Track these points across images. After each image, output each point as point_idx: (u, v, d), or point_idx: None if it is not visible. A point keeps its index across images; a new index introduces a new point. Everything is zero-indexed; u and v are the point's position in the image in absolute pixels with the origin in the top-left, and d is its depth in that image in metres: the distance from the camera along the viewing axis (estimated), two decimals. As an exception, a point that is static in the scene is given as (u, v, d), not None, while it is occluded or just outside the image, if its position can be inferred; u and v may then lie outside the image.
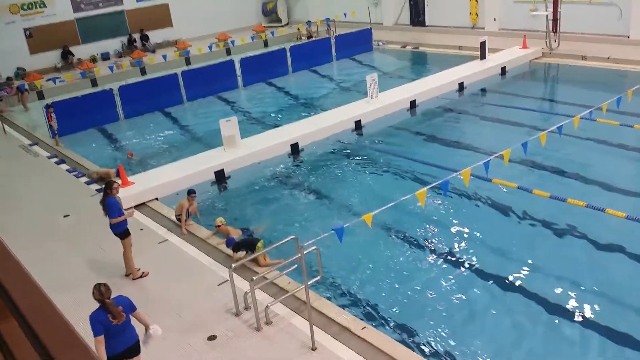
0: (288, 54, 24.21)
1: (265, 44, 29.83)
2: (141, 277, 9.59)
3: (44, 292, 1.69)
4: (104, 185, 9.48)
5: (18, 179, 14.92)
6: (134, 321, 6.69)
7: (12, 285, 1.72)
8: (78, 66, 27.18)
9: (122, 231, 9.33)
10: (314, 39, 28.31)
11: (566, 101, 17.72)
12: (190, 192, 11.29)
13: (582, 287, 8.74)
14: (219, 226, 10.59)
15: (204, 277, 9.50)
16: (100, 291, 6.26)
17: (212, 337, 7.90)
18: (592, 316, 8.11)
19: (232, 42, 28.60)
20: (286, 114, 19.22)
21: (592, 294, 8.58)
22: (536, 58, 21.73)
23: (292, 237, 8.90)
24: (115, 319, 6.22)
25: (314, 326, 7.51)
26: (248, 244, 9.62)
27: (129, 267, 9.59)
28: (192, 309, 8.61)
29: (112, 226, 9.30)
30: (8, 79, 25.70)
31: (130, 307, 6.57)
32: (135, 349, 6.56)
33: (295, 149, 15.31)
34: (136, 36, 30.67)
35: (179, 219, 11.22)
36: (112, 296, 6.38)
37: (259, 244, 9.44)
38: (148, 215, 11.96)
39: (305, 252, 7.34)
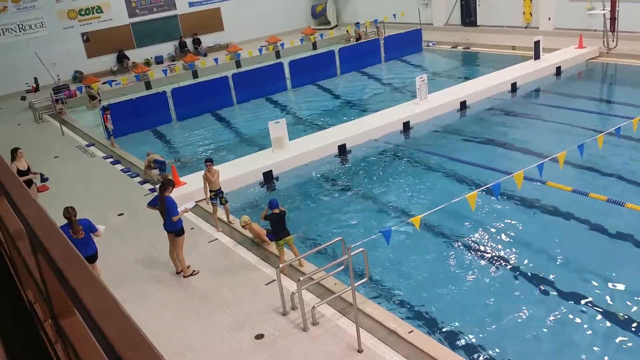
0: (337, 55, 24.25)
1: (314, 46, 29.98)
2: (192, 275, 9.78)
3: (109, 290, 1.74)
4: (159, 186, 9.75)
5: (75, 178, 15.46)
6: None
7: (78, 283, 1.77)
8: (133, 69, 28.01)
9: (179, 228, 9.61)
10: (362, 40, 28.25)
11: (624, 102, 17.07)
12: (207, 161, 11.34)
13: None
14: (243, 226, 10.67)
15: (252, 276, 9.61)
16: (68, 211, 8.51)
17: (259, 336, 7.98)
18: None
19: (282, 44, 28.85)
20: (334, 115, 19.25)
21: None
22: (593, 58, 21.04)
23: (339, 238, 8.90)
24: (74, 234, 8.42)
25: (360, 328, 7.48)
26: (280, 232, 9.55)
27: (181, 264, 9.79)
28: (240, 308, 8.72)
29: (170, 224, 9.56)
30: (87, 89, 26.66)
31: (89, 227, 8.75)
32: (92, 258, 8.76)
33: (342, 150, 15.31)
34: (188, 40, 31.35)
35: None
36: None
37: (285, 240, 9.48)
38: (199, 215, 12.19)
39: (352, 254, 7.32)
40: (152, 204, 9.94)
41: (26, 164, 12.96)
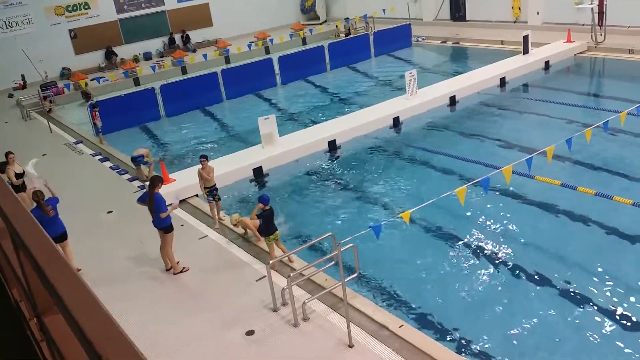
0: (326, 51, 24.20)
1: (304, 42, 29.89)
2: (182, 272, 9.74)
3: (89, 289, 1.72)
4: (149, 183, 9.71)
5: (63, 176, 15.34)
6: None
7: (58, 281, 1.76)
8: (121, 66, 27.83)
9: (167, 225, 9.57)
10: (352, 35, 28.22)
11: (612, 96, 17.16)
12: (201, 157, 11.27)
13: (630, 289, 8.46)
14: (235, 224, 10.64)
15: (243, 272, 9.58)
16: (37, 194, 9.40)
17: (250, 332, 7.97)
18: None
19: (271, 40, 28.75)
20: (324, 111, 19.22)
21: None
22: (581, 52, 21.13)
23: (329, 234, 8.89)
24: (46, 213, 9.33)
25: (351, 323, 7.49)
26: (270, 228, 9.56)
27: (171, 261, 9.77)
28: (231, 304, 8.70)
29: (158, 221, 9.52)
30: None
31: (55, 203, 9.71)
32: (63, 236, 9.67)
33: (332, 146, 15.29)
34: (177, 36, 31.18)
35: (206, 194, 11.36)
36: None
37: (275, 235, 9.53)
38: (188, 212, 12.14)
39: (342, 249, 7.32)
40: (141, 200, 9.92)
41: (20, 167, 12.86)
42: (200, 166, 11.25)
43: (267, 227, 9.53)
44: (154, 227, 9.70)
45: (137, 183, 13.97)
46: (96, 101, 19.16)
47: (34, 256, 1.94)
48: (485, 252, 9.79)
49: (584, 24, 22.05)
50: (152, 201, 9.40)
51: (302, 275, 8.79)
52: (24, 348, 3.28)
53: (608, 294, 8.36)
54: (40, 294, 2.35)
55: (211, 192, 11.26)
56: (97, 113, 17.52)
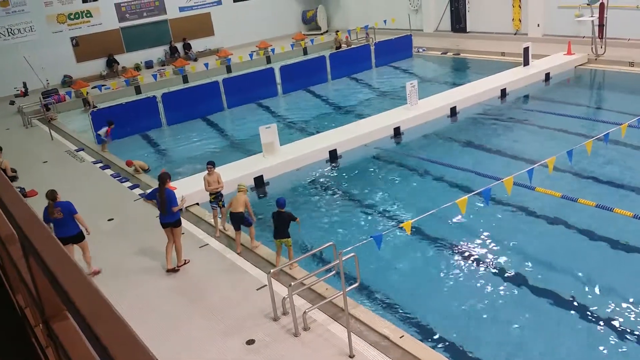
0: (327, 61, 24.30)
1: (305, 52, 30.01)
2: (175, 270, 10.03)
3: (102, 293, 1.73)
4: (159, 180, 9.92)
5: (65, 183, 15.32)
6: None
7: (71, 286, 1.76)
8: (122, 74, 27.91)
9: (178, 219, 9.95)
10: (342, 49, 28.18)
11: (613, 108, 17.24)
12: (208, 163, 11.35)
13: (631, 300, 8.45)
14: (240, 190, 10.55)
15: (243, 281, 9.58)
16: (52, 194, 9.63)
17: (250, 342, 7.95)
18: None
19: (272, 50, 28.86)
20: (325, 121, 19.27)
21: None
22: (581, 64, 21.23)
23: (331, 243, 8.89)
24: (52, 215, 9.46)
25: (351, 333, 7.48)
26: (277, 232, 9.63)
27: (179, 253, 10.10)
28: (231, 313, 8.68)
29: (170, 215, 9.79)
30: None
31: (69, 211, 9.64)
32: (78, 238, 9.82)
33: (333, 155, 15.32)
34: (179, 45, 31.30)
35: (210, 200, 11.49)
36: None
37: (281, 241, 9.67)
38: (189, 220, 12.13)
39: (343, 259, 7.32)
40: (149, 197, 10.22)
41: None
42: (206, 172, 11.33)
43: (275, 230, 9.59)
44: (154, 234, 9.74)
45: (138, 191, 13.98)
46: (98, 109, 19.16)
47: (45, 261, 1.95)
48: (487, 262, 9.79)
49: (584, 37, 22.18)
50: (163, 197, 9.66)
51: (303, 285, 8.78)
52: (28, 354, 3.27)
53: (625, 312, 8.35)
54: (48, 298, 2.36)
55: (217, 199, 11.31)
56: (110, 131, 17.51)
